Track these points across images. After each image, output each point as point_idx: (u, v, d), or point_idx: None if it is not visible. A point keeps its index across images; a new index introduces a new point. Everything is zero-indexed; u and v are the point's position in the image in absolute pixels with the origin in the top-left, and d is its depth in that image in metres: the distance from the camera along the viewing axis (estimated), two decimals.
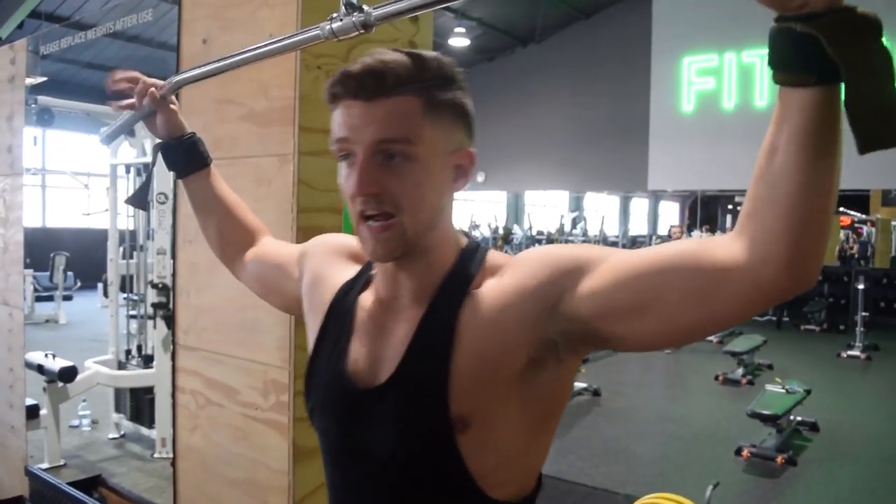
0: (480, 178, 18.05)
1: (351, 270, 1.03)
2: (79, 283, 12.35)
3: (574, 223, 20.05)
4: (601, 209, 21.44)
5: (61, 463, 4.54)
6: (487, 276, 0.88)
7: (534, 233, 18.92)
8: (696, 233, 17.99)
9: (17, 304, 3.50)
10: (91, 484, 3.43)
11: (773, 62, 0.67)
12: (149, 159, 5.05)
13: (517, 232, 18.65)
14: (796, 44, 0.64)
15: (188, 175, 1.29)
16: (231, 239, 1.29)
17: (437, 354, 0.84)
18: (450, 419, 0.83)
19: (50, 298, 11.12)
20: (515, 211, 23.12)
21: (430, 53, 0.88)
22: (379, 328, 0.92)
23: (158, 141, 1.31)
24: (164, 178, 4.68)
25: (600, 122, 16.20)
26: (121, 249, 5.71)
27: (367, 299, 0.96)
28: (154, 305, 4.86)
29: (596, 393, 7.18)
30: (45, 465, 4.26)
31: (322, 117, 1.97)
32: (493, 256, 0.92)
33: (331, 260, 1.07)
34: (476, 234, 17.71)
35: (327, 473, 0.99)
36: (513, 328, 0.83)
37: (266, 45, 1.12)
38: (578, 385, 7.15)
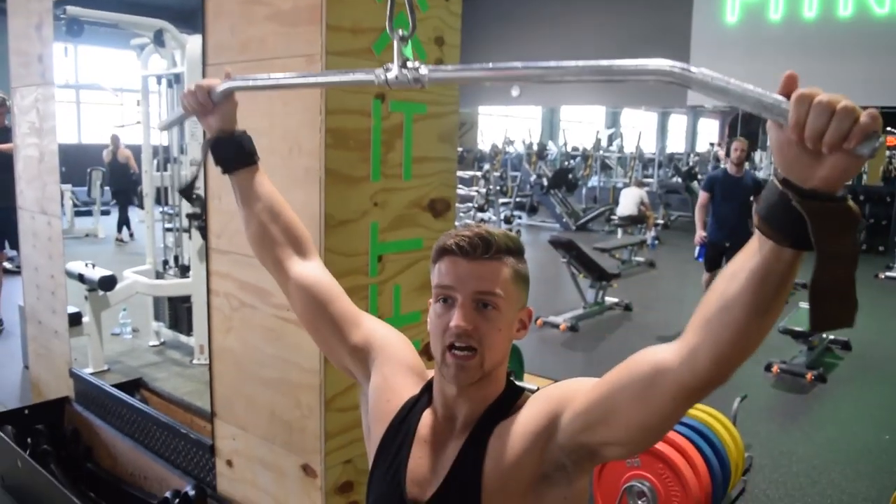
0: (515, 91, 17.67)
1: (415, 387, 1.18)
2: (114, 202, 12.49)
3: (610, 140, 19.69)
4: (638, 126, 20.96)
5: (104, 368, 4.72)
6: (515, 412, 1.06)
7: (568, 149, 18.65)
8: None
9: (54, 212, 3.56)
10: (133, 386, 3.56)
11: (760, 211, 0.74)
12: (179, 69, 5.04)
13: (552, 148, 18.40)
14: (785, 212, 0.70)
15: (236, 170, 1.31)
16: (275, 239, 1.30)
17: (472, 474, 1.03)
18: None
19: (88, 213, 11.31)
20: (550, 127, 22.75)
21: (508, 232, 1.11)
22: (433, 446, 1.10)
23: (209, 137, 1.32)
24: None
25: (639, 32, 15.58)
26: (155, 162, 5.75)
27: (427, 418, 1.13)
28: (189, 216, 4.93)
29: (627, 308, 7.20)
30: (89, 370, 4.43)
31: (351, 14, 1.93)
32: (524, 398, 1.10)
33: (403, 372, 1.20)
34: (510, 149, 17.52)
35: None
36: (523, 453, 1.01)
37: (317, 77, 1.29)
38: (610, 299, 7.17)
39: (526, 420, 1.03)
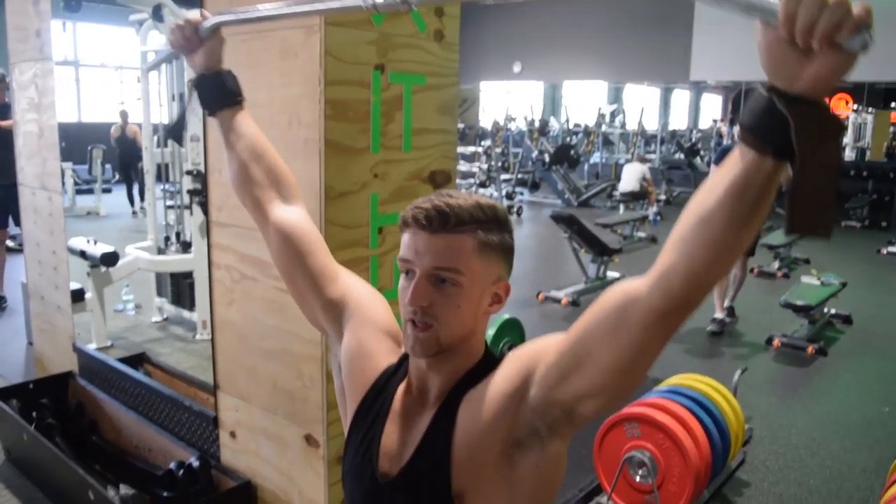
0: (517, 67, 17.56)
1: (394, 355, 1.15)
2: (117, 176, 12.50)
3: (612, 116, 19.58)
4: (641, 102, 20.84)
5: (108, 344, 4.75)
6: (487, 378, 1.01)
7: (570, 125, 18.55)
8: (738, 128, 17.51)
9: (55, 188, 3.56)
10: (136, 361, 3.59)
11: (744, 121, 0.72)
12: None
13: (553, 125, 18.30)
14: (769, 117, 0.69)
15: (221, 110, 1.29)
16: (255, 180, 1.25)
17: (441, 446, 1.00)
18: (451, 495, 0.98)
19: (90, 191, 11.31)
20: (552, 103, 22.62)
21: (486, 201, 1.03)
22: (406, 419, 1.07)
23: (194, 76, 1.30)
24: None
25: (641, 7, 15.47)
26: (155, 138, 5.74)
27: (402, 390, 1.09)
28: (190, 192, 4.92)
29: None
30: (92, 346, 4.45)
31: None
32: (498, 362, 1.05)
33: (379, 338, 1.16)
34: (512, 126, 17.44)
35: None
36: (493, 419, 0.97)
37: (304, 6, 1.17)
38: (612, 275, 7.18)
39: (497, 384, 0.99)
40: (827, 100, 0.70)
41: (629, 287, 0.84)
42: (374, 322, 1.17)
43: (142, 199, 10.52)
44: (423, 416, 1.05)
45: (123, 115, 10.76)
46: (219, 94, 1.29)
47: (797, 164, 0.68)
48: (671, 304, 0.80)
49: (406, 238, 1.01)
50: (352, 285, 1.21)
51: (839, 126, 0.69)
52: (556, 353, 0.92)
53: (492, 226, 1.01)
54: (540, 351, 0.96)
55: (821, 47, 0.65)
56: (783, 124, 0.68)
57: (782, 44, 0.67)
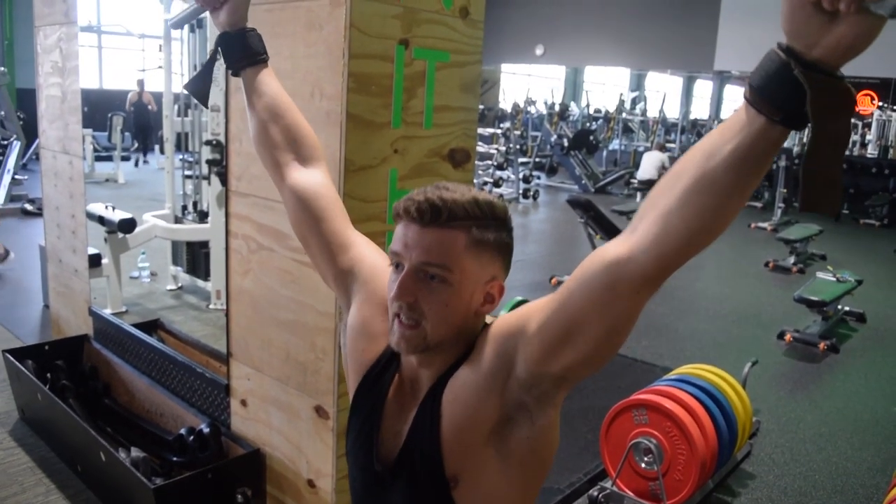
0: (539, 50, 17.40)
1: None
2: (136, 144, 12.57)
3: (634, 103, 19.42)
4: (663, 90, 20.63)
5: (123, 309, 4.79)
6: (469, 360, 0.99)
7: (591, 111, 18.42)
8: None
9: (76, 152, 3.58)
10: (151, 326, 3.62)
11: (755, 81, 0.70)
12: (201, 14, 5.00)
13: (574, 110, 18.18)
14: (784, 82, 0.67)
15: (244, 68, 1.27)
16: (274, 141, 1.23)
17: (429, 434, 0.99)
18: (446, 480, 0.98)
19: (109, 159, 11.37)
20: (573, 87, 22.45)
21: (485, 197, 0.99)
22: (398, 411, 1.06)
23: (219, 33, 1.28)
24: (214, 35, 4.62)
25: None
26: (175, 107, 5.75)
27: (397, 380, 1.08)
28: (209, 162, 4.94)
29: None
30: (107, 311, 4.49)
31: None
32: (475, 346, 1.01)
33: (383, 315, 1.10)
34: (532, 109, 17.34)
35: (354, 501, 1.16)
36: (479, 401, 0.95)
37: None
38: None
39: (479, 364, 0.96)
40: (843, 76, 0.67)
41: (612, 255, 0.81)
42: (381, 298, 1.11)
43: (150, 151, 12.24)
44: (413, 407, 1.04)
45: (140, 83, 11.72)
46: (242, 52, 1.26)
47: (811, 137, 0.67)
48: (664, 268, 0.79)
49: (398, 230, 0.98)
50: (363, 255, 1.18)
51: (853, 100, 0.67)
52: (539, 327, 0.89)
53: (488, 223, 0.98)
54: (518, 327, 0.93)
55: (847, 9, 0.62)
56: (797, 91, 0.66)
57: (807, 6, 0.65)
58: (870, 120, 16.06)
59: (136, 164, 12.08)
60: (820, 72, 0.65)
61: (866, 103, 15.64)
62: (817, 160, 0.68)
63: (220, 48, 1.29)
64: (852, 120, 0.70)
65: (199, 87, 1.39)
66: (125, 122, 11.59)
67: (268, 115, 1.24)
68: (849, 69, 0.68)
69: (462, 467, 0.97)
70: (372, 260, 1.17)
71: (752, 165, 0.71)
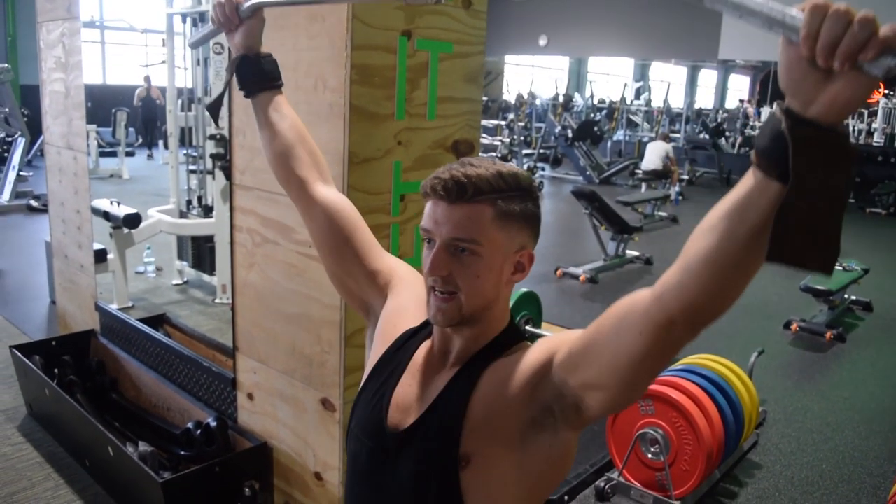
0: (542, 41, 17.35)
1: (420, 318, 1.16)
2: (140, 140, 12.60)
3: (638, 93, 19.35)
4: (667, 80, 20.55)
5: (129, 305, 4.80)
6: (512, 353, 1.04)
7: (595, 101, 18.36)
8: (766, 109, 17.21)
9: (80, 148, 3.59)
10: (157, 321, 3.63)
11: (756, 139, 0.71)
12: (204, 7, 5.00)
13: (578, 100, 18.12)
14: (776, 139, 0.67)
15: (259, 93, 1.30)
16: (301, 159, 1.27)
17: (457, 404, 1.01)
18: (458, 457, 0.99)
19: (113, 154, 11.39)
20: (577, 78, 22.38)
21: (509, 169, 1.02)
22: (424, 375, 1.08)
23: (236, 56, 1.31)
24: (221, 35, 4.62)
25: None
26: (179, 102, 5.75)
27: (424, 348, 1.11)
28: (213, 156, 4.94)
29: (648, 262, 7.18)
30: (114, 306, 4.50)
31: None
32: (523, 344, 1.07)
33: (416, 303, 1.16)
34: (536, 100, 17.28)
35: (350, 485, 1.15)
36: (517, 390, 0.98)
37: None
38: (631, 253, 7.15)
39: (522, 363, 1.00)
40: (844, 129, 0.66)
41: (639, 293, 0.84)
42: (416, 291, 1.18)
43: (154, 145, 12.69)
44: (443, 374, 1.06)
45: (147, 79, 12.24)
46: (257, 76, 1.30)
47: (790, 185, 0.65)
48: (667, 317, 0.79)
49: (427, 208, 1.02)
50: (396, 260, 1.26)
51: (849, 154, 0.66)
52: (574, 341, 0.93)
53: (513, 194, 1.01)
54: (565, 337, 0.97)
55: (842, 68, 0.62)
56: (787, 150, 0.66)
57: (803, 63, 0.65)
58: (876, 108, 15.97)
59: (150, 157, 12.51)
60: (812, 127, 0.65)
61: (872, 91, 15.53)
62: (797, 211, 0.66)
63: (234, 70, 1.31)
64: (852, 174, 0.68)
65: (216, 109, 1.44)
66: (129, 118, 11.60)
67: (295, 135, 1.28)
68: None
69: (477, 449, 0.98)
70: (403, 265, 1.26)
71: (749, 220, 0.71)
